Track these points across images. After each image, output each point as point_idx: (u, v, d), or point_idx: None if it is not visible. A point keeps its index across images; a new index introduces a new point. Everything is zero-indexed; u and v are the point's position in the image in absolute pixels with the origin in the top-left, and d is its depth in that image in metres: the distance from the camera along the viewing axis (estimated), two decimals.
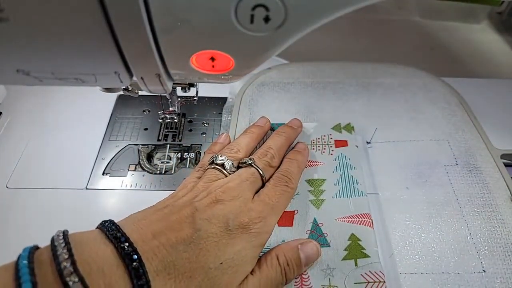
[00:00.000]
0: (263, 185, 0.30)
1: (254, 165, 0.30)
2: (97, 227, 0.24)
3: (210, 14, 0.19)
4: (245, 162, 0.30)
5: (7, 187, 0.35)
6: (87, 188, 0.35)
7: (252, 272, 0.25)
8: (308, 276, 0.28)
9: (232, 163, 0.30)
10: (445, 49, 0.57)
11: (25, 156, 0.37)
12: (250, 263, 0.25)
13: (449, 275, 0.28)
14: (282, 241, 0.29)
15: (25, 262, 0.19)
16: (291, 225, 0.30)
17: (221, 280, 0.23)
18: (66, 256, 0.19)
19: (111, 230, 0.22)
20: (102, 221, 0.24)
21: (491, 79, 0.47)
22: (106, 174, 0.36)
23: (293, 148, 0.35)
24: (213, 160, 0.30)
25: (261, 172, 0.30)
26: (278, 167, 0.32)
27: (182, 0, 0.18)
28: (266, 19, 0.19)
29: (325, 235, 0.30)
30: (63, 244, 0.20)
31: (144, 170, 0.37)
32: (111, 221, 0.23)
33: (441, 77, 0.45)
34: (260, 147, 0.34)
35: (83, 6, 0.18)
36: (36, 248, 0.21)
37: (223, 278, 0.23)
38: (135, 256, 0.21)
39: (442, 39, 0.58)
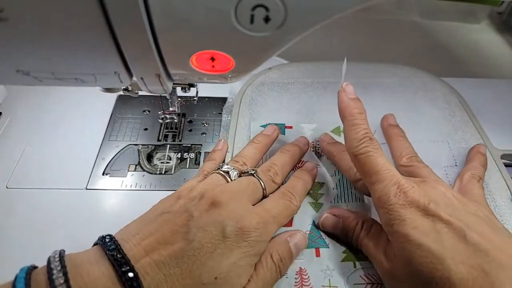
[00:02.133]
0: (263, 198, 0.29)
1: (256, 176, 0.29)
2: (96, 243, 0.23)
3: (210, 14, 0.19)
4: (247, 172, 0.30)
5: (7, 187, 0.35)
6: (87, 188, 0.35)
7: (249, 279, 0.25)
8: (308, 277, 0.28)
9: (237, 173, 0.30)
10: (445, 49, 0.57)
11: (25, 156, 0.37)
12: (246, 275, 0.24)
13: None
14: None
15: (22, 284, 0.19)
16: (291, 226, 0.30)
17: None
18: (62, 281, 0.19)
19: (111, 250, 0.22)
20: (101, 237, 0.23)
21: (491, 79, 0.47)
22: (106, 174, 0.36)
23: (301, 167, 0.34)
24: (219, 168, 0.30)
25: (262, 184, 0.29)
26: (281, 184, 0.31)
27: (182, 0, 0.18)
28: (266, 19, 0.19)
29: (324, 237, 0.30)
30: (59, 267, 0.20)
31: (144, 170, 0.37)
32: (111, 238, 0.23)
33: (441, 77, 0.45)
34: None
35: (83, 6, 0.18)
36: (33, 267, 0.21)
37: None
38: (134, 280, 0.20)
39: (442, 39, 0.58)
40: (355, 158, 0.27)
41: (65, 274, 0.19)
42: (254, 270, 0.25)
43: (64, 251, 0.21)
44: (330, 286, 0.27)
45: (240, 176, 0.30)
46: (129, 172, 0.37)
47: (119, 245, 0.22)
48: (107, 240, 0.23)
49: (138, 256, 0.22)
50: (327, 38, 0.56)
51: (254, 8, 0.19)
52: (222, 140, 0.36)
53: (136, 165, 0.37)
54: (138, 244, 0.22)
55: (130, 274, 0.20)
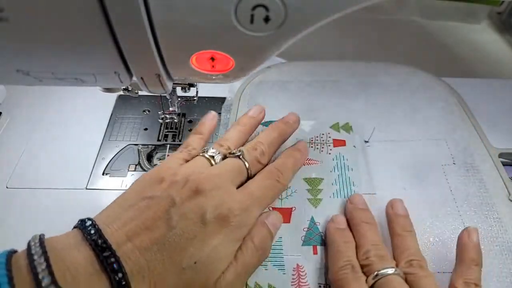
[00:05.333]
0: (248, 179, 0.29)
1: (241, 158, 0.29)
2: (76, 227, 0.23)
3: (210, 14, 0.19)
4: (233, 153, 0.29)
5: (7, 187, 0.35)
6: (87, 188, 0.35)
7: (228, 264, 0.25)
8: (306, 274, 0.28)
9: (222, 158, 0.29)
10: (445, 49, 0.57)
11: (25, 156, 0.38)
12: (226, 259, 0.24)
13: (444, 274, 0.28)
14: (280, 237, 0.29)
15: (3, 271, 0.18)
16: (289, 222, 0.30)
17: (195, 280, 0.23)
18: (44, 267, 0.19)
19: (91, 235, 0.21)
20: (81, 220, 0.23)
21: (491, 79, 0.47)
22: (106, 174, 0.36)
23: (293, 145, 0.34)
24: (204, 151, 0.29)
25: (247, 165, 0.29)
26: (267, 164, 0.31)
27: (182, 0, 0.18)
28: (266, 19, 0.19)
29: (322, 234, 0.30)
30: (39, 253, 0.19)
31: (144, 170, 0.37)
32: (92, 223, 0.22)
33: (441, 77, 0.45)
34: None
35: (83, 6, 0.18)
36: (13, 252, 0.20)
37: (198, 278, 0.23)
38: (115, 266, 0.20)
39: (442, 39, 0.58)
40: (334, 284, 0.26)
41: (46, 259, 0.19)
42: (234, 256, 0.25)
43: (43, 235, 0.21)
44: (327, 284, 0.27)
45: (225, 157, 0.29)
46: (129, 172, 0.37)
47: (100, 229, 0.22)
48: (87, 224, 0.22)
49: (120, 242, 0.22)
50: (327, 38, 0.56)
51: (254, 8, 0.19)
52: (213, 112, 0.33)
53: (136, 165, 0.37)
54: (119, 229, 0.22)
55: (112, 259, 0.20)
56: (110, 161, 0.37)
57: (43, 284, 0.18)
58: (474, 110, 0.41)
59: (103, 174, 0.36)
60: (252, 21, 0.19)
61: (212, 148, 0.30)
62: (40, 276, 0.18)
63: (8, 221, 0.33)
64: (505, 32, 0.59)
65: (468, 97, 0.42)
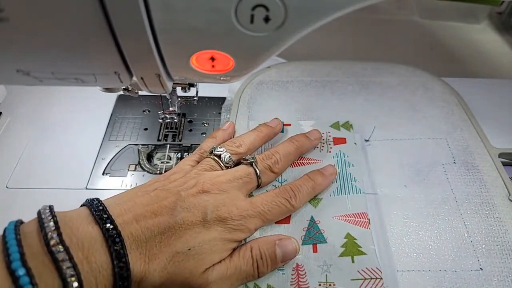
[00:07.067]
0: (258, 187, 0.31)
1: (253, 165, 0.30)
2: (84, 205, 0.25)
3: (210, 14, 0.19)
4: (246, 160, 0.31)
5: (7, 187, 0.35)
6: (87, 188, 0.35)
7: (221, 260, 0.26)
8: (305, 273, 0.28)
9: (230, 156, 0.31)
10: (445, 49, 0.57)
11: (25, 156, 0.38)
12: (219, 254, 0.26)
13: (446, 273, 0.28)
14: None
15: (12, 234, 0.20)
16: (288, 223, 0.30)
17: (186, 265, 0.24)
18: (53, 228, 0.21)
19: (98, 211, 0.23)
20: (89, 199, 0.25)
21: (491, 79, 0.47)
22: (106, 174, 0.36)
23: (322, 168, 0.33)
24: (212, 150, 0.31)
25: (258, 173, 0.30)
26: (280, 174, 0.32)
27: (182, 0, 0.18)
28: (266, 19, 0.19)
29: (322, 231, 0.30)
30: (50, 217, 0.21)
31: (144, 170, 0.37)
32: (99, 201, 0.25)
33: (441, 77, 0.45)
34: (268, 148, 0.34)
35: (83, 6, 0.18)
36: (21, 222, 0.22)
37: (188, 263, 0.24)
38: (118, 239, 0.22)
39: (442, 39, 0.58)
40: None
41: (55, 222, 0.21)
42: (229, 256, 0.26)
43: (53, 205, 0.23)
44: (327, 282, 0.27)
45: (240, 162, 0.31)
46: (129, 172, 0.37)
47: (106, 206, 0.24)
48: (94, 202, 0.24)
49: (128, 220, 0.24)
50: (327, 38, 0.56)
51: (254, 8, 0.19)
52: (229, 121, 0.36)
53: (136, 165, 0.37)
54: (128, 210, 0.25)
55: (113, 232, 0.22)
56: (110, 161, 0.37)
57: (52, 242, 0.20)
58: (474, 110, 0.41)
59: (103, 174, 0.36)
60: (252, 21, 0.19)
61: (220, 147, 0.31)
62: (49, 236, 0.20)
63: (8, 221, 0.32)
64: (505, 32, 0.59)
65: (468, 97, 0.42)
